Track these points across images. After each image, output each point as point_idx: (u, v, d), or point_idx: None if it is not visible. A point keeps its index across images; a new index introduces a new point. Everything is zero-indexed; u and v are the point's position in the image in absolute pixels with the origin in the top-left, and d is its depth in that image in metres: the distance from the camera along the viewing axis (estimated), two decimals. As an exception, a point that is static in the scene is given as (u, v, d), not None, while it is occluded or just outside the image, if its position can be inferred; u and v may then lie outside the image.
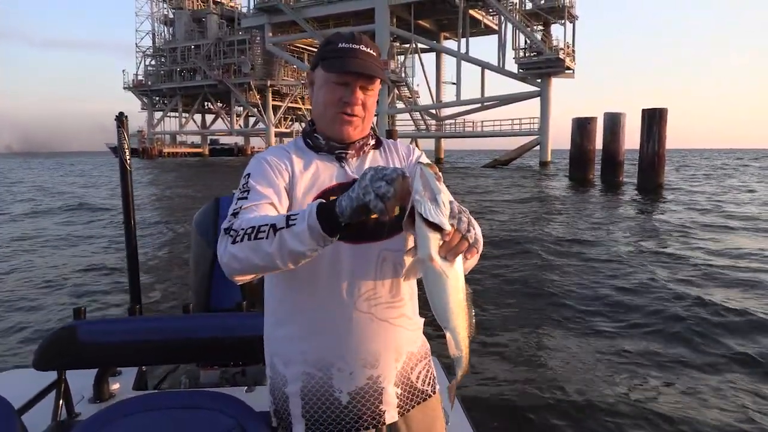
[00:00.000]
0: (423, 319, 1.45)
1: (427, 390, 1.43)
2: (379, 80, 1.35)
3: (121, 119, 2.63)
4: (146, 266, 6.81)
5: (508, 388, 3.97)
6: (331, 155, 1.37)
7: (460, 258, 1.11)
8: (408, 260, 1.23)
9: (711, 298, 6.08)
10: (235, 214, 1.22)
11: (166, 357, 2.11)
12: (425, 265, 1.08)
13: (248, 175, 1.31)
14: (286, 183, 1.31)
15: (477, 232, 1.17)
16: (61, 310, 5.46)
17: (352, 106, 1.33)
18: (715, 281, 7.12)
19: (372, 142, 1.43)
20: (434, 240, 1.05)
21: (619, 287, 6.79)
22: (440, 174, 1.08)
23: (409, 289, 1.37)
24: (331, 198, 1.14)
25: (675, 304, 5.93)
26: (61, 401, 1.99)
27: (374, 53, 1.34)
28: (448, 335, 1.16)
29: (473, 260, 1.23)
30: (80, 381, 2.20)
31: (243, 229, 1.14)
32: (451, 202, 1.08)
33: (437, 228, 1.04)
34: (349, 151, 1.37)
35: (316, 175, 1.34)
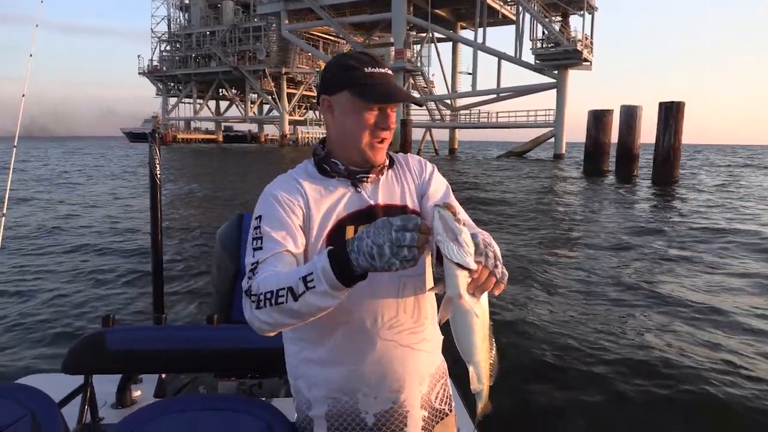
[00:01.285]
0: (442, 337, 1.44)
1: (444, 409, 1.43)
2: None
3: (153, 135, 2.63)
4: (171, 275, 6.91)
5: (519, 403, 3.79)
6: (347, 180, 1.33)
7: (486, 296, 1.10)
8: (432, 292, 1.22)
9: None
10: (252, 271, 1.20)
11: (189, 366, 2.17)
12: (454, 303, 1.08)
13: (259, 218, 1.27)
14: (300, 220, 1.27)
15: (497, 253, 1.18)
16: (85, 317, 5.54)
17: (388, 132, 1.31)
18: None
19: (387, 162, 1.40)
20: (462, 278, 1.05)
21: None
22: (458, 211, 1.08)
23: (430, 312, 1.37)
24: (348, 228, 1.16)
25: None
26: (86, 405, 2.05)
27: (391, 73, 1.33)
28: (471, 370, 1.16)
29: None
30: (104, 387, 2.25)
31: (262, 293, 1.12)
32: (474, 237, 1.08)
33: (464, 267, 1.04)
34: (371, 175, 1.34)
35: (333, 204, 1.30)
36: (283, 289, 1.09)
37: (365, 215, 1.29)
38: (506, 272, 1.11)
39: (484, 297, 1.10)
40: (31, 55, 2.81)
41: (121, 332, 2.10)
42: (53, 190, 18.54)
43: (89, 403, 2.07)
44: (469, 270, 1.04)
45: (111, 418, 2.18)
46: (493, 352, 1.17)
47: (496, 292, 1.10)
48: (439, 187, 1.42)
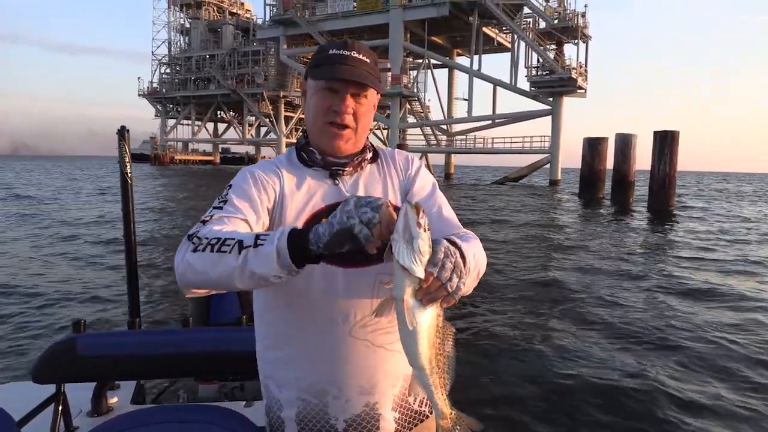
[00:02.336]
0: None
1: (424, 411, 1.37)
2: (374, 90, 1.29)
3: (122, 133, 2.60)
4: (146, 278, 6.78)
5: (507, 409, 3.89)
6: (324, 171, 1.30)
7: (437, 304, 1.04)
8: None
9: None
10: (204, 222, 1.15)
11: (165, 370, 2.09)
12: (397, 305, 1.03)
13: (230, 186, 1.25)
14: (271, 202, 1.25)
15: (474, 264, 1.13)
16: (59, 323, 5.41)
17: (341, 115, 1.25)
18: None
19: (369, 155, 1.36)
20: (408, 282, 1.00)
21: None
22: (425, 215, 1.00)
23: None
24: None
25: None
26: (59, 415, 1.97)
27: (367, 60, 1.27)
28: (413, 373, 1.09)
29: (471, 281, 1.16)
30: (78, 394, 2.18)
31: (207, 238, 1.07)
32: (436, 244, 1.01)
33: (411, 272, 0.98)
34: (346, 169, 1.30)
35: (309, 194, 1.27)
36: (233, 239, 1.04)
37: None
38: (462, 286, 1.03)
39: (434, 308, 1.04)
40: None
41: (94, 337, 2.02)
42: (33, 202, 18.44)
43: (63, 412, 2.00)
44: (417, 278, 0.99)
45: (86, 427, 2.09)
46: (446, 359, 1.08)
47: (444, 305, 1.04)
48: (425, 184, 1.38)
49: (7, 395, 1.83)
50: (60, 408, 1.98)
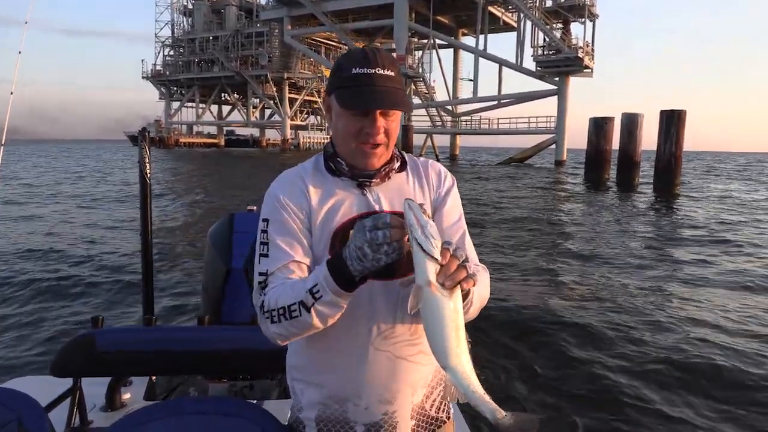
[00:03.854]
0: None
1: (441, 417, 1.40)
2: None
3: (143, 134, 2.59)
4: (161, 276, 6.83)
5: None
6: (352, 181, 1.30)
7: (459, 291, 1.08)
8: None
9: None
10: (261, 285, 1.23)
11: (179, 367, 2.14)
12: (424, 291, 1.06)
13: (266, 221, 1.27)
14: (303, 223, 1.27)
15: (478, 295, 1.21)
16: (76, 319, 5.47)
17: (374, 137, 1.24)
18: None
19: (397, 164, 1.34)
20: (431, 266, 1.05)
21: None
22: (424, 209, 1.09)
23: None
24: (351, 232, 1.14)
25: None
26: (75, 408, 2.01)
27: (392, 73, 1.22)
28: (448, 376, 1.09)
29: (474, 310, 1.22)
30: (93, 389, 2.22)
31: (275, 309, 1.18)
32: (447, 242, 1.10)
33: (430, 255, 1.05)
34: (374, 180, 1.30)
35: (337, 205, 1.28)
36: (295, 304, 1.15)
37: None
38: (476, 274, 1.12)
39: (458, 295, 1.08)
40: (20, 53, 2.82)
41: (110, 334, 2.07)
42: (43, 192, 18.52)
43: (78, 406, 2.04)
44: (436, 259, 1.05)
45: (100, 422, 2.14)
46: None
47: (466, 286, 1.08)
48: (455, 206, 1.39)
49: (26, 387, 1.89)
50: (76, 401, 2.02)
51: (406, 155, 1.40)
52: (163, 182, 22.39)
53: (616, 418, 3.62)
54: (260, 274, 1.24)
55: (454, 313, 1.07)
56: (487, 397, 1.08)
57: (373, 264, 1.08)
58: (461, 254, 1.08)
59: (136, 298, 5.74)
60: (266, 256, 1.24)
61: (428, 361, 1.33)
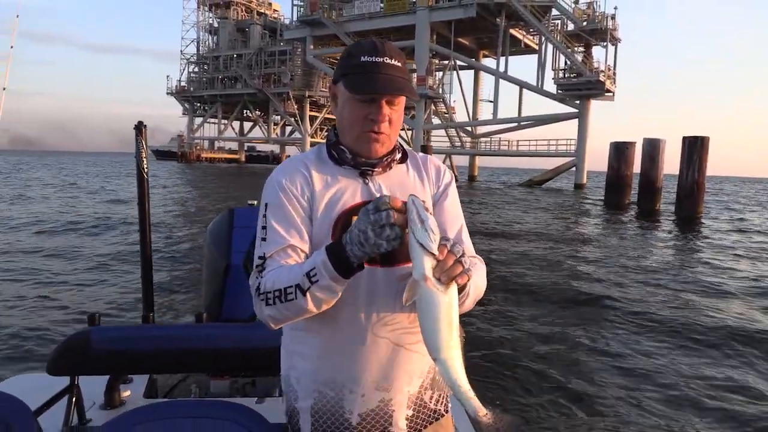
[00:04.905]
0: None
1: (439, 410, 1.39)
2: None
3: (139, 128, 2.58)
4: (161, 273, 6.81)
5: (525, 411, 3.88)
6: (355, 170, 1.32)
7: (455, 287, 1.10)
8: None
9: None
10: (259, 268, 1.24)
11: (178, 365, 2.11)
12: (420, 286, 1.09)
13: (266, 206, 1.29)
14: (304, 209, 1.28)
15: (478, 276, 1.24)
16: (74, 316, 5.44)
17: (379, 124, 1.27)
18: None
19: (398, 155, 1.38)
20: (427, 260, 1.07)
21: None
22: (425, 206, 1.11)
23: None
24: (353, 219, 1.17)
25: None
26: (73, 407, 1.98)
27: (399, 63, 1.26)
28: (438, 368, 1.12)
29: (469, 303, 1.25)
30: (92, 387, 2.19)
31: (271, 291, 1.19)
32: (445, 237, 1.11)
33: (428, 250, 1.07)
34: (376, 169, 1.33)
35: (339, 192, 1.30)
36: (291, 286, 1.15)
37: None
38: (472, 269, 1.14)
39: (453, 289, 1.10)
40: (12, 47, 2.86)
41: (108, 331, 2.04)
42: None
43: (76, 404, 2.01)
44: (433, 254, 1.06)
45: (99, 420, 2.11)
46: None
47: (461, 282, 1.10)
48: (454, 201, 1.42)
49: (22, 386, 1.86)
50: (74, 400, 1.99)
51: (406, 148, 1.43)
52: (176, 198, 22.66)
53: None
54: (258, 257, 1.26)
55: (448, 308, 1.09)
56: (471, 394, 1.11)
57: (373, 249, 1.08)
58: (458, 250, 1.09)
59: (135, 295, 5.69)
60: (264, 239, 1.26)
61: (426, 351, 1.33)
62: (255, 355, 1.93)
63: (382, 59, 1.24)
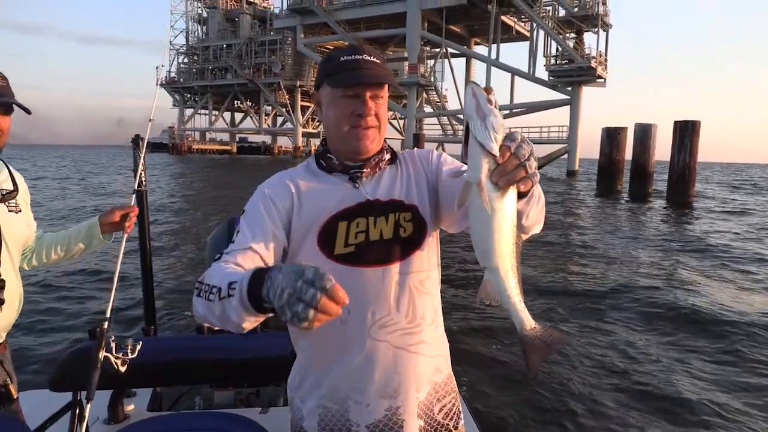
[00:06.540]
0: (447, 346, 1.38)
1: (448, 424, 1.35)
2: (387, 87, 1.29)
3: (137, 141, 2.55)
4: (161, 285, 6.79)
5: (530, 417, 3.70)
6: (344, 175, 1.31)
7: (513, 192, 1.00)
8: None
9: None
10: (216, 260, 1.20)
11: (181, 378, 2.10)
12: (471, 188, 0.99)
13: (244, 212, 1.29)
14: (282, 220, 1.26)
15: (539, 192, 1.11)
16: (72, 330, 5.39)
17: (365, 118, 1.26)
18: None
19: (387, 156, 1.36)
20: (484, 163, 0.96)
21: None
22: (493, 96, 0.99)
23: (428, 313, 1.31)
24: (340, 224, 1.17)
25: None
26: (76, 423, 1.96)
27: (377, 60, 1.28)
28: (486, 277, 1.04)
29: (534, 214, 1.12)
30: (95, 402, 2.15)
31: (205, 283, 1.11)
32: (512, 132, 1.00)
33: (488, 150, 0.96)
34: (364, 170, 1.31)
35: (327, 198, 1.28)
36: (216, 287, 1.07)
37: (358, 210, 1.27)
38: (538, 174, 1.01)
39: (511, 195, 1.00)
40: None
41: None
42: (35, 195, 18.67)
43: (79, 420, 1.97)
44: (494, 156, 0.96)
45: None
46: (519, 264, 1.03)
47: (523, 188, 1.00)
48: (450, 158, 1.41)
49: (25, 403, 1.86)
50: (77, 415, 1.97)
51: (395, 150, 1.42)
52: (170, 191, 22.50)
53: None
54: (219, 252, 1.23)
55: (502, 216, 0.99)
56: (521, 306, 1.04)
57: (279, 309, 0.89)
58: (524, 152, 0.97)
59: (136, 307, 5.69)
60: (233, 241, 1.24)
61: (431, 353, 1.31)
62: (258, 366, 1.93)
63: (361, 56, 1.25)
